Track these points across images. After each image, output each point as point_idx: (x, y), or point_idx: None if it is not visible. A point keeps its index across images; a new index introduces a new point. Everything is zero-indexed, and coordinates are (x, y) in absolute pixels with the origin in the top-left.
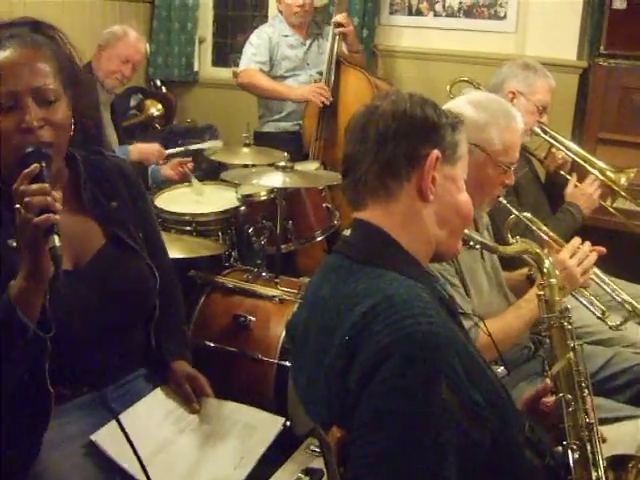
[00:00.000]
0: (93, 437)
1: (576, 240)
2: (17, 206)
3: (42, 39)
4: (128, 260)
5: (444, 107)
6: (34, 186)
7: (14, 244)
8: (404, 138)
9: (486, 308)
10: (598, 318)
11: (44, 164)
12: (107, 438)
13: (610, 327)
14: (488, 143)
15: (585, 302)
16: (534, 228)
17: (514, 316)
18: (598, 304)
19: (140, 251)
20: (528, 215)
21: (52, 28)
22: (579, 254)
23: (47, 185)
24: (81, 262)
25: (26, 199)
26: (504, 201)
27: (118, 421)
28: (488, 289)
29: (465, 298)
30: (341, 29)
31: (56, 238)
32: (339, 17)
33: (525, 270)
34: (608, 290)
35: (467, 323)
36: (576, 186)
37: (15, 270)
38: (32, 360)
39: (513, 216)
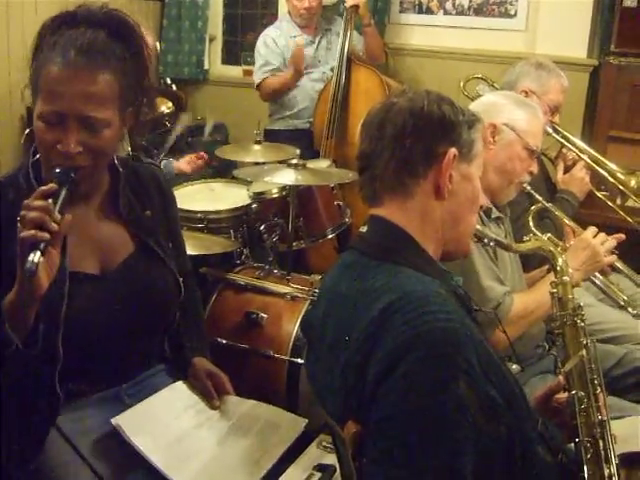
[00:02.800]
0: (114, 421)
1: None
2: (18, 217)
3: (116, 52)
4: (155, 270)
5: (474, 104)
6: (37, 202)
7: None
8: (421, 136)
9: (509, 285)
10: (621, 307)
11: (65, 187)
12: (129, 423)
13: (633, 315)
14: (517, 122)
15: (607, 291)
16: (557, 215)
17: (545, 288)
18: (620, 294)
19: (168, 262)
20: (549, 204)
21: (133, 32)
22: (602, 236)
23: (49, 204)
24: (108, 268)
25: (22, 212)
26: (528, 187)
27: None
28: (511, 272)
29: (499, 267)
30: (355, 3)
31: (37, 255)
32: None
33: (545, 267)
34: (629, 274)
35: (502, 289)
36: (565, 172)
37: None
38: (23, 370)
39: (534, 206)
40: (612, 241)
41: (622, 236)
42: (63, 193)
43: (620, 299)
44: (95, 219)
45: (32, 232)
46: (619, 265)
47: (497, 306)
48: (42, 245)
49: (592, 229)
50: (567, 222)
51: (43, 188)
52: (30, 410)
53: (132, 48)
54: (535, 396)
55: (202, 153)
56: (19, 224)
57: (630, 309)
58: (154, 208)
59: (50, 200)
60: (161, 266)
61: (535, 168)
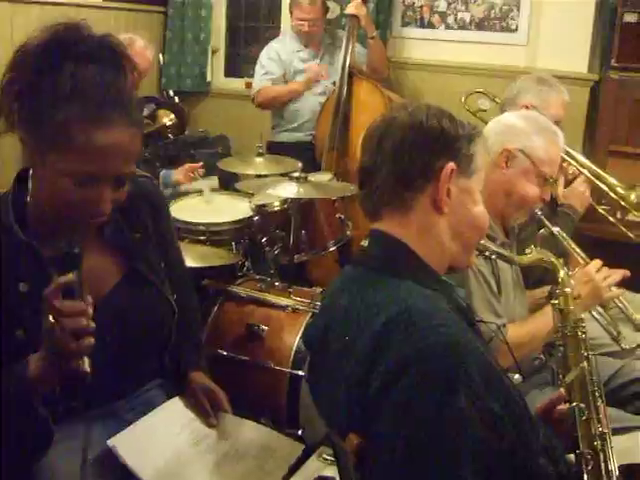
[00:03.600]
0: (110, 442)
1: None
2: (50, 318)
3: (133, 98)
4: (146, 295)
5: (492, 122)
6: (68, 304)
7: (25, 289)
8: (420, 150)
9: (510, 312)
10: (613, 339)
11: (77, 270)
12: (125, 444)
13: (623, 349)
14: (533, 150)
15: (603, 322)
16: (565, 243)
17: (541, 320)
18: (613, 327)
19: (160, 285)
20: (558, 229)
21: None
22: (605, 270)
23: (86, 307)
24: (96, 298)
25: (63, 320)
26: (539, 213)
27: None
28: (513, 295)
29: (498, 298)
30: (354, 12)
31: (86, 362)
32: (351, 8)
33: (547, 288)
34: (627, 309)
35: (497, 321)
36: (565, 186)
37: (21, 316)
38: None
39: (543, 230)
40: (615, 277)
41: (627, 272)
42: (78, 277)
43: (613, 333)
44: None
45: (83, 344)
46: (619, 303)
47: (490, 340)
48: (82, 355)
49: (596, 263)
50: (575, 251)
51: (62, 280)
52: (30, 445)
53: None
54: (537, 407)
55: (197, 164)
56: (55, 326)
57: (622, 344)
58: (145, 227)
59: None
60: (151, 290)
61: (548, 195)
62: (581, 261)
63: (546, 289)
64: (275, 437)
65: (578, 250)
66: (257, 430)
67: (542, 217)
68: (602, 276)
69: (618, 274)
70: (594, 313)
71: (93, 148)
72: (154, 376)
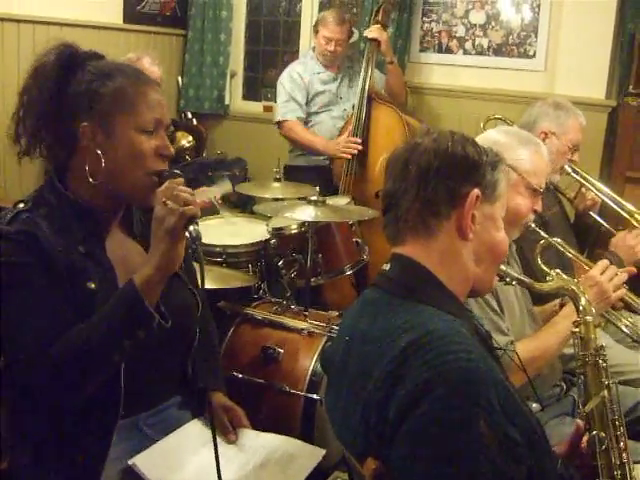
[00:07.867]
0: (131, 461)
1: (606, 261)
2: (164, 199)
3: None
4: (172, 285)
5: (477, 138)
6: (181, 186)
7: (82, 250)
8: (445, 177)
9: (517, 330)
10: (634, 341)
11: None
12: (146, 462)
13: None
14: (519, 163)
15: (622, 327)
16: (565, 252)
17: (551, 332)
18: (626, 329)
19: (183, 277)
20: (558, 240)
21: None
22: (610, 271)
23: (189, 189)
24: None
25: (175, 192)
26: (533, 225)
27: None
28: (519, 313)
29: (502, 316)
30: (376, 35)
31: (194, 226)
32: (372, 31)
33: (557, 301)
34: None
35: (503, 339)
36: (583, 210)
37: (82, 276)
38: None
39: (543, 241)
40: (621, 275)
41: (633, 269)
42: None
43: (635, 335)
44: (118, 237)
45: (192, 206)
46: (629, 299)
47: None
48: (195, 219)
49: (600, 265)
50: (580, 259)
51: (175, 180)
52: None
53: None
54: (561, 446)
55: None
56: (169, 202)
57: None
58: None
59: None
60: (177, 282)
61: (539, 206)
62: (585, 267)
63: (557, 302)
64: (295, 444)
65: (581, 257)
66: (277, 440)
67: (536, 229)
68: (607, 277)
69: (623, 274)
70: (619, 324)
71: (151, 99)
72: (175, 391)
